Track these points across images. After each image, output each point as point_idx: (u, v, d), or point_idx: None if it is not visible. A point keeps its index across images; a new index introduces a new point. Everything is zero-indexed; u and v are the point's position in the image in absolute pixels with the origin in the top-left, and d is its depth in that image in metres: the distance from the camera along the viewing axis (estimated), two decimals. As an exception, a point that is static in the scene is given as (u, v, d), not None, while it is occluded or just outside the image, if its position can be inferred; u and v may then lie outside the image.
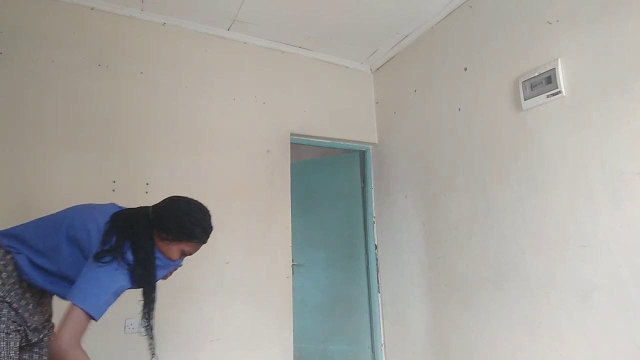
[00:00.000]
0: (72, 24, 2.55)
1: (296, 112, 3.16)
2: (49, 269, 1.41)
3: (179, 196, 1.53)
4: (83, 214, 1.47)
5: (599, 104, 1.85)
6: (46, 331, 1.52)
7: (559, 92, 2.00)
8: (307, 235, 3.55)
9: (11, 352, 1.33)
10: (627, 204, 1.72)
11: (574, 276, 1.89)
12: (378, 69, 3.52)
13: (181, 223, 1.43)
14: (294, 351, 2.82)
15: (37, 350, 1.50)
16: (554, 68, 2.02)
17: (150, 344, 1.51)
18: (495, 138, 2.36)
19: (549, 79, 2.04)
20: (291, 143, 3.12)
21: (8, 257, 1.38)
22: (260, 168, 2.93)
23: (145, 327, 1.50)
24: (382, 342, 3.19)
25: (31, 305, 1.43)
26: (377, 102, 3.52)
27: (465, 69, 2.59)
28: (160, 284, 2.51)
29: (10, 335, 1.34)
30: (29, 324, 1.41)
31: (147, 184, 2.54)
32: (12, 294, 1.36)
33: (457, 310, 2.52)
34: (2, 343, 1.31)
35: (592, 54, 1.89)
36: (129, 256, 1.38)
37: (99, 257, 1.34)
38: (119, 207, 1.55)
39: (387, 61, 3.39)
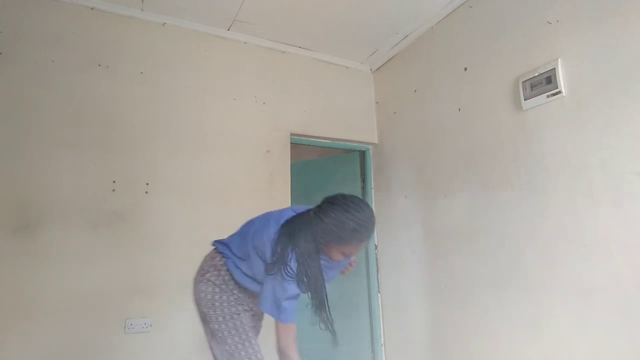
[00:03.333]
0: (72, 24, 2.55)
1: (296, 112, 3.16)
2: (245, 272, 1.69)
3: (339, 199, 1.54)
4: (262, 224, 1.68)
5: (599, 104, 1.85)
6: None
7: (559, 92, 2.00)
8: (307, 235, 3.54)
9: (249, 332, 1.70)
10: (627, 204, 1.72)
11: (574, 276, 1.89)
12: (378, 69, 3.52)
13: (334, 232, 1.48)
14: (294, 351, 2.82)
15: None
16: (554, 68, 2.02)
17: (333, 336, 1.68)
18: (495, 138, 2.36)
19: (549, 79, 2.04)
20: (291, 143, 3.12)
21: (223, 260, 1.74)
22: (260, 168, 2.92)
23: (324, 325, 1.65)
24: (382, 342, 3.18)
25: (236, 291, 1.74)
26: (377, 102, 3.52)
27: (465, 69, 2.59)
28: (160, 284, 2.52)
29: (241, 315, 1.71)
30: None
31: (147, 184, 2.54)
32: (230, 284, 1.71)
33: (457, 310, 2.52)
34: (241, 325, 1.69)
35: (593, 54, 1.89)
36: (293, 264, 1.50)
37: (268, 269, 1.53)
38: (295, 211, 1.65)
39: (387, 61, 3.39)
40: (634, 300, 1.67)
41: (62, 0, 2.54)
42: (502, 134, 2.31)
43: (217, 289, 1.70)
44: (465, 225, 2.50)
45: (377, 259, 3.32)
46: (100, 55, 2.58)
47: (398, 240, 3.10)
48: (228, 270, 1.72)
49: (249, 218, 2.81)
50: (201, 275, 1.75)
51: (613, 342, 1.73)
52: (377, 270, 3.30)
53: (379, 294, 3.26)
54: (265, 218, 1.71)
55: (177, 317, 2.47)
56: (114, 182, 2.46)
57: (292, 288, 1.52)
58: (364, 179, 3.49)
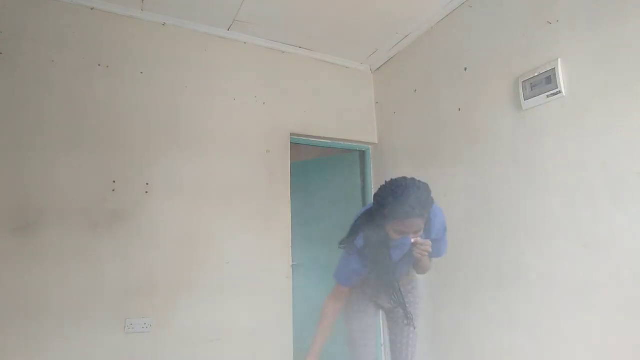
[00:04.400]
0: (72, 24, 2.55)
1: (296, 112, 3.16)
2: None
3: (390, 180, 1.61)
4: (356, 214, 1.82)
5: (599, 104, 1.85)
6: None
7: (559, 92, 2.00)
8: (307, 235, 3.54)
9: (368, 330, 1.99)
10: (627, 204, 1.72)
11: (574, 276, 1.89)
12: (378, 69, 3.52)
13: (379, 210, 1.57)
14: (294, 351, 2.82)
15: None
16: (554, 68, 2.02)
17: (406, 315, 1.80)
18: (495, 138, 2.35)
19: (549, 79, 2.04)
20: (291, 143, 3.12)
21: None
22: (260, 168, 2.92)
23: (394, 301, 1.76)
24: (382, 342, 3.18)
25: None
26: (377, 102, 3.52)
27: (465, 69, 2.59)
28: (160, 284, 2.52)
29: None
30: None
31: (147, 184, 2.54)
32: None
33: (457, 310, 2.52)
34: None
35: (592, 54, 1.89)
36: (359, 242, 1.67)
37: (339, 244, 1.75)
38: None
39: (387, 61, 3.39)
40: (634, 300, 1.67)
41: (62, 0, 2.54)
42: (502, 134, 2.31)
43: None
44: (465, 225, 2.50)
45: (377, 259, 3.31)
46: (100, 55, 2.58)
47: (398, 240, 3.09)
48: None
49: (248, 218, 2.84)
50: None
51: (613, 342, 1.73)
52: (377, 270, 3.30)
53: (379, 294, 3.26)
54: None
55: (177, 317, 2.47)
56: (114, 182, 2.46)
57: (354, 262, 1.69)
58: (364, 179, 3.49)
